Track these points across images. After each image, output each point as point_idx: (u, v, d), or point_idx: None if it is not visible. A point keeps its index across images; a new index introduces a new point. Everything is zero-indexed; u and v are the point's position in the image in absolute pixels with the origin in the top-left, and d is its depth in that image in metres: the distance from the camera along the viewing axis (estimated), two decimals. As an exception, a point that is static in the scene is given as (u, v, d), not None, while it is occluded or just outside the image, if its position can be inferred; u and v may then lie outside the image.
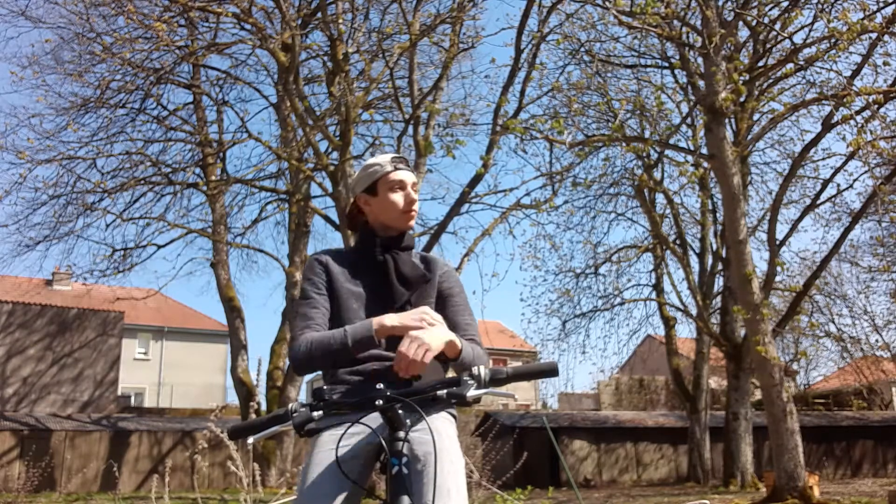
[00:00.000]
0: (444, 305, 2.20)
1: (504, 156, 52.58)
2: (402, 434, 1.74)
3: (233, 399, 25.94)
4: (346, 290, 2.13)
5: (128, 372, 28.38)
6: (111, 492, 15.51)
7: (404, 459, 1.73)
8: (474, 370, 1.75)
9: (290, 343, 2.01)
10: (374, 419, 1.87)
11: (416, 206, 2.19)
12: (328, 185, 13.55)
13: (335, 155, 13.71)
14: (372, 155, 16.56)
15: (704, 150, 12.11)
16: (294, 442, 16.41)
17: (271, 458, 15.67)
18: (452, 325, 2.13)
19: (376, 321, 1.90)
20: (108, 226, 16.59)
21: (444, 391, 1.72)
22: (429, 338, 1.80)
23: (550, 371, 1.79)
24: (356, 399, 1.78)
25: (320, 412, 1.74)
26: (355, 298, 2.12)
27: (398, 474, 1.70)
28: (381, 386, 1.75)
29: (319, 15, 14.45)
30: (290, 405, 1.74)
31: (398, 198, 2.16)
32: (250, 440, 1.77)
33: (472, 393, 1.70)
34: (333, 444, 1.90)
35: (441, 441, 1.90)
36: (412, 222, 2.21)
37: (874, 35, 10.28)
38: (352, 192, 2.26)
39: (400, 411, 1.74)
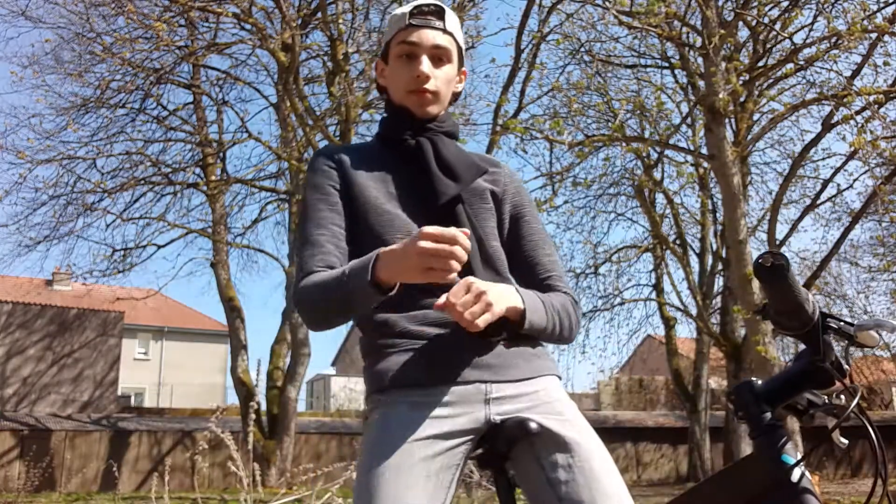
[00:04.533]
0: (515, 232, 1.59)
1: (504, 156, 52.54)
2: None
3: (233, 399, 25.94)
4: (371, 190, 1.52)
5: (128, 372, 28.37)
6: (111, 492, 15.50)
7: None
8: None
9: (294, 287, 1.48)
10: (464, 395, 1.37)
11: (431, 84, 1.53)
12: (328, 185, 13.53)
13: (335, 155, 13.69)
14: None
15: (704, 150, 12.11)
16: (294, 442, 16.39)
17: (271, 458, 15.65)
18: (529, 265, 1.56)
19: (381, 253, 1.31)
20: (108, 226, 16.60)
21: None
22: (494, 294, 1.28)
23: None
24: None
25: None
26: (387, 199, 1.51)
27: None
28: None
29: (319, 15, 14.44)
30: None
31: (403, 69, 1.55)
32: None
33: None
34: (413, 429, 1.34)
35: (583, 430, 1.52)
36: (430, 108, 1.55)
37: (874, 35, 10.28)
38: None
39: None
